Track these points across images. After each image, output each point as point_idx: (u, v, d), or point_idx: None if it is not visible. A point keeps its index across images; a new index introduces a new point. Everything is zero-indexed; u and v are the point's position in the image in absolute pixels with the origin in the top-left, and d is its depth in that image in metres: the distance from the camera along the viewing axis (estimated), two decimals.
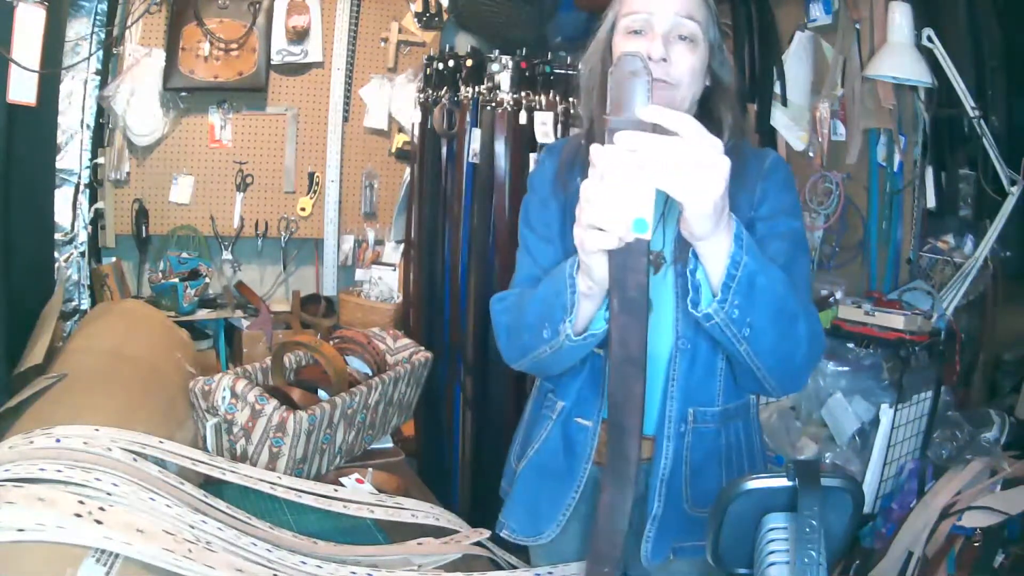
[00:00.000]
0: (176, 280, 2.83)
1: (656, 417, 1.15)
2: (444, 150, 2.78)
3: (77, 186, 2.59)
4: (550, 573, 1.16)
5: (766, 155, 1.18)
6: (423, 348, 1.83)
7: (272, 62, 3.07)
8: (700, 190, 0.80)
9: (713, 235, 0.86)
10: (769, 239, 1.08)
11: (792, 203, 1.14)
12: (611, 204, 0.78)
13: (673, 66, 1.06)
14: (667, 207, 1.13)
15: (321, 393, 1.58)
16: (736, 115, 1.14)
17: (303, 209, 3.26)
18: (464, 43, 2.97)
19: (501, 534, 1.26)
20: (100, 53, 2.64)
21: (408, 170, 3.20)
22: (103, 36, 2.61)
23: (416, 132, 2.92)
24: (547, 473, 1.22)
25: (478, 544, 1.25)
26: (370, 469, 1.51)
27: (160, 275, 2.89)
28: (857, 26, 2.34)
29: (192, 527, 0.96)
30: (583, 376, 1.19)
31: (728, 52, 2.50)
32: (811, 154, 2.47)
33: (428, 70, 2.83)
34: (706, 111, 1.13)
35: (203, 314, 2.91)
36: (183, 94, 2.97)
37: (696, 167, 0.78)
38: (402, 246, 3.21)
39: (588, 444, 1.18)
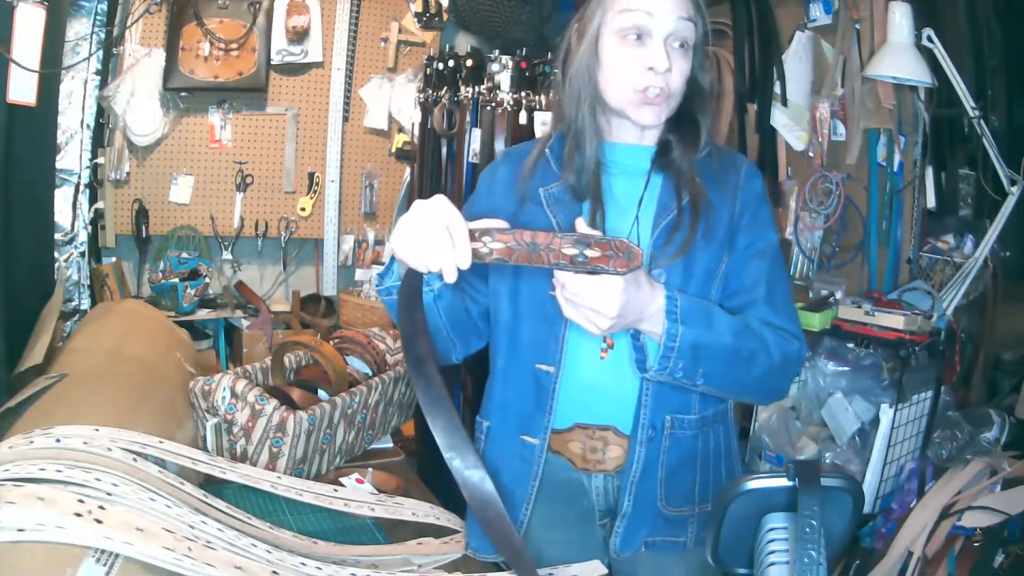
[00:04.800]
0: (176, 280, 2.83)
1: (632, 422, 1.14)
2: (444, 150, 2.77)
3: (77, 186, 2.59)
4: (550, 574, 1.16)
5: (740, 162, 1.18)
6: None
7: (272, 62, 3.07)
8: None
9: (637, 325, 0.99)
10: (750, 257, 1.13)
11: (768, 214, 1.17)
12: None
13: (671, 76, 1.06)
14: (640, 208, 1.13)
15: (321, 393, 1.58)
16: (713, 116, 1.15)
17: (303, 209, 3.26)
18: (464, 43, 2.97)
19: (466, 552, 1.24)
20: (100, 53, 2.64)
21: (408, 170, 3.20)
22: (103, 36, 2.61)
23: (416, 132, 2.92)
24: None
25: None
26: (370, 469, 1.51)
27: (160, 275, 2.89)
28: (857, 26, 2.34)
29: (192, 527, 0.96)
30: (530, 394, 1.17)
31: (728, 52, 2.52)
32: (811, 154, 2.46)
33: (428, 70, 2.83)
34: (681, 111, 1.12)
35: (203, 314, 2.92)
36: (183, 94, 2.97)
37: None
38: None
39: (535, 462, 1.17)
